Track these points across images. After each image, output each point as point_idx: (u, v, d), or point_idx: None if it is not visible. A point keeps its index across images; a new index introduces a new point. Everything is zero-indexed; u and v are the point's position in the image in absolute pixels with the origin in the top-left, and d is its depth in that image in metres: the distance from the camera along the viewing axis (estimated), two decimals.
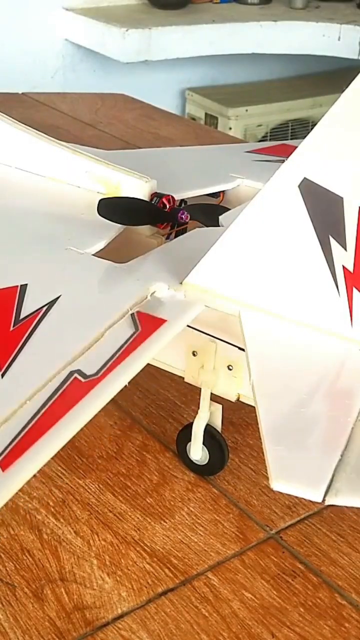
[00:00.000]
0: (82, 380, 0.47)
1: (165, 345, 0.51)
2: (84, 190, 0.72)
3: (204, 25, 2.21)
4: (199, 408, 0.60)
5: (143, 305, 0.54)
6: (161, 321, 0.52)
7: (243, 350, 0.55)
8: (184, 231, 0.70)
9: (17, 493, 0.59)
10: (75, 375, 0.48)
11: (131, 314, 0.53)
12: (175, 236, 0.70)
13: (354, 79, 0.50)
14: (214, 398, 0.59)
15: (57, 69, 2.33)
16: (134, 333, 0.51)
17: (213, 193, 0.78)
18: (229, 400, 0.59)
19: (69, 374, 0.48)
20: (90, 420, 0.46)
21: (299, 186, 0.52)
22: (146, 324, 0.51)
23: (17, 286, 0.57)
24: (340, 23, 2.24)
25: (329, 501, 0.43)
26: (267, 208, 0.53)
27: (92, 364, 0.48)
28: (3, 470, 0.42)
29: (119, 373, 0.48)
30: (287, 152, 0.52)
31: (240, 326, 0.54)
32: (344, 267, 0.54)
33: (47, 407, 0.46)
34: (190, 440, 0.61)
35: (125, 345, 0.50)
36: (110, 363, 0.48)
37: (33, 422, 0.45)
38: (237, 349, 0.56)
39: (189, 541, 0.57)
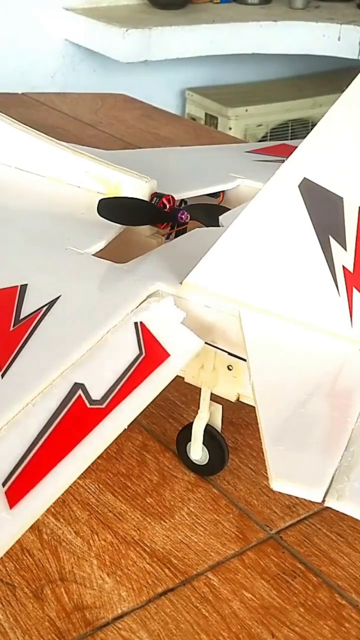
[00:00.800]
0: (88, 405, 0.47)
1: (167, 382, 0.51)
2: (84, 190, 0.72)
3: (204, 25, 2.21)
4: (199, 408, 0.60)
5: (145, 315, 0.54)
6: (165, 355, 0.52)
7: (240, 358, 0.55)
8: (184, 231, 0.70)
9: None
10: (80, 393, 0.48)
11: (134, 323, 0.53)
12: (175, 236, 0.70)
13: (354, 79, 0.50)
14: (214, 398, 0.59)
15: (57, 69, 2.33)
16: (138, 357, 0.51)
17: (213, 193, 0.78)
18: (229, 400, 0.59)
19: (73, 386, 0.48)
20: None
21: (299, 186, 0.52)
22: (150, 350, 0.51)
23: (17, 286, 0.57)
24: (340, 23, 2.24)
25: (329, 502, 0.43)
26: (267, 208, 0.53)
27: (97, 385, 0.48)
28: (11, 507, 0.41)
29: (126, 407, 0.48)
30: (287, 152, 0.53)
31: (240, 326, 0.54)
32: (344, 267, 0.54)
33: (52, 428, 0.45)
34: (190, 440, 0.61)
35: (130, 372, 0.50)
36: (116, 391, 0.48)
37: (38, 444, 0.44)
38: (235, 357, 0.56)
39: (189, 541, 0.57)
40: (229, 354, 0.56)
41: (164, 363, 0.51)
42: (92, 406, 0.47)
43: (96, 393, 0.48)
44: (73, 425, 0.46)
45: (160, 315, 0.54)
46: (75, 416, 0.46)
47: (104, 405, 0.47)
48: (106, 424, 0.46)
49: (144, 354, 0.51)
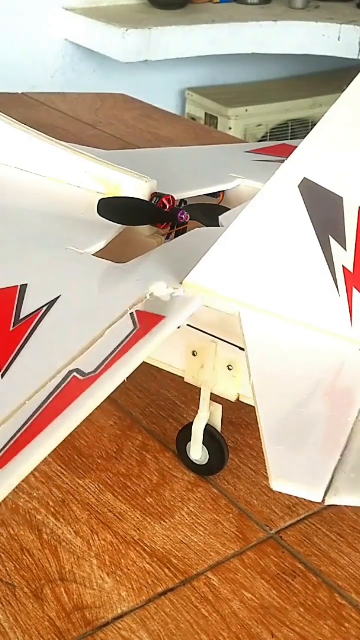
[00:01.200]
0: (81, 378, 0.47)
1: (164, 341, 0.51)
2: (84, 190, 0.72)
3: (204, 25, 2.21)
4: (199, 408, 0.60)
5: (143, 305, 0.54)
6: (159, 318, 0.52)
7: (243, 349, 0.55)
8: (184, 231, 0.70)
9: (17, 493, 0.59)
10: (74, 374, 0.48)
11: (130, 313, 0.53)
12: (175, 236, 0.70)
13: (354, 79, 0.50)
14: (214, 398, 0.59)
15: (57, 69, 2.33)
16: (132, 330, 0.51)
17: (213, 193, 0.78)
18: (229, 400, 0.59)
19: (68, 373, 0.48)
20: (91, 420, 0.46)
21: (299, 186, 0.52)
22: (145, 321, 0.52)
23: (17, 286, 0.57)
24: (340, 23, 2.24)
25: (329, 501, 0.43)
26: (267, 208, 0.53)
27: (91, 363, 0.48)
28: (1, 468, 0.42)
29: (117, 369, 0.48)
30: (287, 152, 0.52)
31: (240, 326, 0.54)
32: (344, 267, 0.54)
33: (45, 406, 0.46)
34: (190, 440, 0.61)
35: (124, 343, 0.50)
36: (108, 360, 0.48)
37: (31, 421, 0.45)
38: (237, 348, 0.56)
39: (189, 541, 0.57)
40: (231, 344, 0.56)
41: (159, 324, 0.51)
42: (85, 377, 0.47)
43: (89, 368, 0.48)
44: (66, 396, 0.46)
45: (156, 299, 0.54)
46: (69, 390, 0.46)
47: (96, 373, 0.47)
48: (101, 383, 0.46)
49: (138, 327, 0.51)
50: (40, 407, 0.46)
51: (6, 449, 0.43)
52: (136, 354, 0.49)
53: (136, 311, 0.53)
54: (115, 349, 0.49)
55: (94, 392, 0.46)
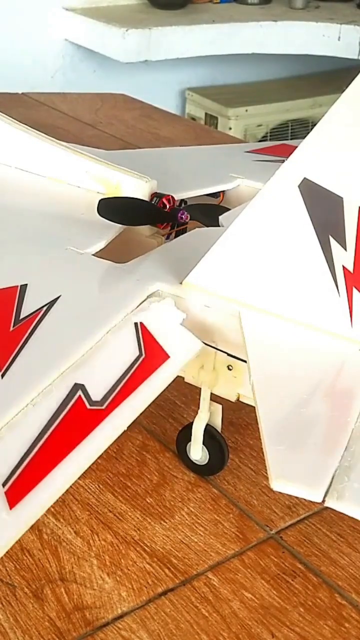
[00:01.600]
0: (88, 406, 0.47)
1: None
2: (84, 190, 0.72)
3: (204, 25, 2.20)
4: (199, 408, 0.60)
5: (145, 315, 0.54)
6: (164, 355, 0.52)
7: (240, 359, 0.55)
8: (184, 231, 0.70)
9: None
10: (80, 394, 0.48)
11: (135, 324, 0.53)
12: (175, 236, 0.70)
13: (354, 79, 0.50)
14: (214, 398, 0.59)
15: (57, 69, 2.33)
16: (138, 358, 0.51)
17: (213, 193, 0.78)
18: (229, 400, 0.59)
19: (73, 387, 0.48)
20: None
21: (299, 186, 0.52)
22: (150, 351, 0.51)
23: (17, 286, 0.57)
24: (340, 23, 2.24)
25: (329, 503, 0.43)
26: (267, 208, 0.53)
27: (97, 386, 0.48)
28: (11, 508, 0.41)
29: (126, 408, 0.48)
30: (287, 152, 0.52)
31: (240, 326, 0.54)
32: (344, 267, 0.54)
33: (52, 429, 0.45)
34: (190, 440, 0.61)
35: (130, 373, 0.50)
36: (115, 392, 0.48)
37: (38, 445, 0.44)
38: (234, 358, 0.56)
39: (189, 541, 0.57)
40: (229, 355, 0.56)
41: (164, 365, 0.51)
42: (92, 407, 0.47)
43: (96, 394, 0.48)
44: (73, 427, 0.46)
45: (160, 316, 0.54)
46: (75, 417, 0.46)
47: (104, 407, 0.47)
48: (106, 426, 0.46)
49: (143, 356, 0.51)
50: (46, 427, 0.45)
51: (14, 477, 0.42)
52: (144, 396, 0.49)
53: (141, 324, 0.53)
54: (121, 378, 0.49)
55: (104, 431, 0.46)
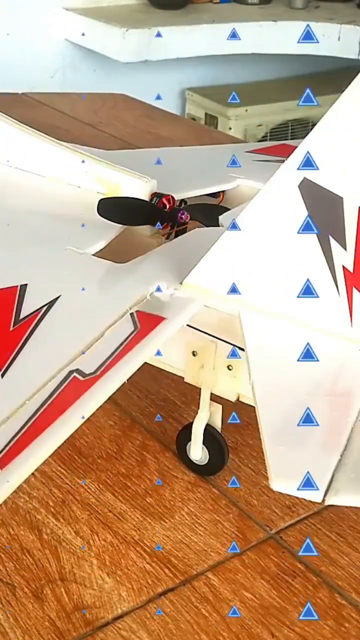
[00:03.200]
0: (81, 379, 0.47)
1: (164, 342, 0.51)
2: (84, 190, 0.72)
3: (204, 25, 2.20)
4: (199, 408, 0.60)
5: (143, 305, 0.54)
6: (160, 319, 0.52)
7: (243, 349, 0.55)
8: (184, 231, 0.70)
9: (17, 493, 0.59)
10: (75, 374, 0.48)
11: (130, 314, 0.53)
12: (175, 236, 0.70)
13: (354, 79, 0.50)
14: (214, 398, 0.59)
15: (57, 69, 2.33)
16: (133, 331, 0.51)
17: (213, 193, 0.78)
18: (229, 400, 0.59)
19: (68, 373, 0.48)
20: (90, 420, 0.46)
21: (299, 186, 0.52)
22: (145, 322, 0.52)
23: (17, 286, 0.57)
24: (340, 23, 2.24)
25: (329, 501, 0.43)
26: (267, 208, 0.53)
27: (91, 363, 0.48)
28: (1, 469, 0.42)
29: (118, 370, 0.48)
30: (287, 152, 0.52)
31: (240, 326, 0.54)
32: (344, 267, 0.54)
33: (45, 406, 0.46)
34: (190, 440, 0.61)
35: (125, 344, 0.50)
36: (109, 361, 0.48)
37: (31, 421, 0.45)
38: (237, 348, 0.56)
39: (189, 541, 0.57)
40: (232, 344, 0.56)
41: (160, 325, 0.51)
42: (86, 378, 0.47)
43: (89, 368, 0.48)
44: (67, 397, 0.46)
45: (156, 299, 0.54)
46: (69, 391, 0.46)
47: (97, 374, 0.47)
48: (102, 384, 0.46)
49: (139, 328, 0.51)
50: (40, 407, 0.46)
51: (7, 449, 0.43)
52: (137, 355, 0.49)
53: (136, 312, 0.53)
54: (115, 350, 0.49)
55: (94, 392, 0.46)
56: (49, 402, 0.46)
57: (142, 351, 0.49)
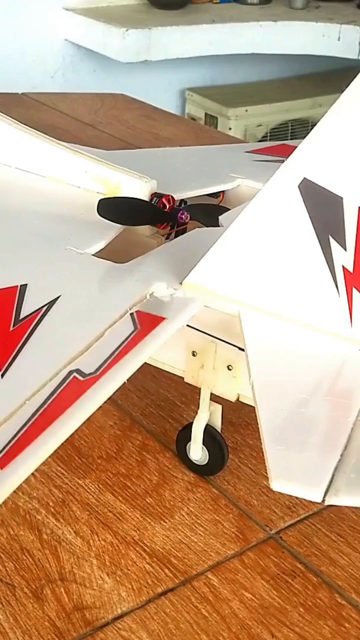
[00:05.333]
0: (81, 379, 0.47)
1: (164, 342, 0.51)
2: (84, 190, 0.72)
3: (204, 25, 2.21)
4: (199, 408, 0.60)
5: (143, 305, 0.54)
6: (160, 319, 0.52)
7: (243, 350, 0.55)
8: (184, 231, 0.70)
9: (17, 493, 0.59)
10: (75, 374, 0.48)
11: (130, 314, 0.53)
12: (175, 236, 0.70)
13: (354, 79, 0.50)
14: (214, 398, 0.59)
15: (57, 69, 2.33)
16: (133, 331, 0.51)
17: (213, 193, 0.78)
18: (229, 400, 0.59)
19: (68, 373, 0.48)
20: (90, 420, 0.46)
21: (299, 186, 0.52)
22: (145, 322, 0.51)
23: (17, 286, 0.57)
24: (340, 23, 2.24)
25: (329, 501, 0.43)
26: (267, 208, 0.53)
27: (91, 363, 0.48)
28: (1, 469, 0.42)
29: (118, 370, 0.48)
30: (287, 152, 0.52)
31: (240, 326, 0.54)
32: (343, 267, 0.54)
33: (45, 406, 0.46)
34: (190, 440, 0.61)
35: (124, 344, 0.50)
36: (109, 361, 0.48)
37: (31, 421, 0.45)
38: (237, 349, 0.56)
39: (189, 541, 0.57)
40: (231, 344, 0.56)
41: (160, 325, 0.51)
42: (86, 378, 0.47)
43: (89, 368, 0.48)
44: (67, 397, 0.46)
45: (156, 299, 0.54)
46: (69, 390, 0.46)
47: (97, 374, 0.47)
48: (102, 383, 0.46)
49: (139, 328, 0.51)
50: (40, 407, 0.46)
51: (7, 449, 0.43)
52: (137, 355, 0.49)
53: (136, 312, 0.53)
54: (115, 350, 0.49)
55: (94, 392, 0.46)
56: (49, 402, 0.46)
57: (142, 351, 0.49)
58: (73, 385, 0.47)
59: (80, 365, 0.48)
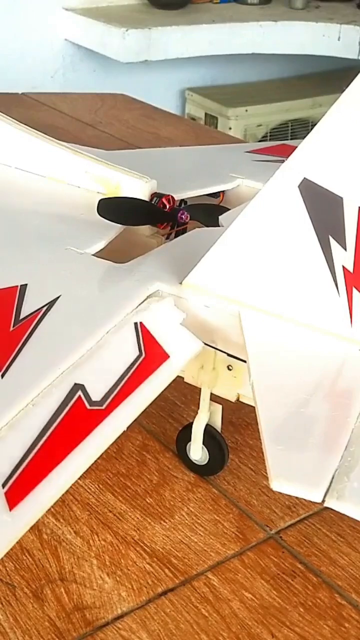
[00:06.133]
0: (88, 406, 0.47)
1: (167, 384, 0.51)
2: (84, 190, 0.72)
3: (204, 25, 2.21)
4: (199, 408, 0.60)
5: (145, 315, 0.54)
6: (164, 355, 0.51)
7: (239, 359, 0.55)
8: (184, 231, 0.70)
9: None
10: (80, 394, 0.48)
11: (134, 324, 0.53)
12: (175, 236, 0.70)
13: (354, 79, 0.50)
14: (214, 398, 0.59)
15: (57, 69, 2.33)
16: (138, 357, 0.51)
17: (213, 193, 0.78)
18: (229, 400, 0.59)
19: (73, 387, 0.48)
20: None
21: (299, 186, 0.52)
22: (150, 351, 0.51)
23: (17, 286, 0.57)
24: (340, 23, 2.24)
25: (329, 503, 0.43)
26: (267, 208, 0.53)
27: (97, 386, 0.48)
28: (10, 509, 0.41)
29: (125, 408, 0.48)
30: (287, 152, 0.52)
31: (240, 326, 0.54)
32: (343, 267, 0.54)
33: (52, 429, 0.45)
34: (190, 440, 0.61)
35: (130, 373, 0.49)
36: (115, 392, 0.48)
37: (38, 446, 0.44)
38: (235, 359, 0.56)
39: (189, 541, 0.57)
40: (229, 355, 0.56)
41: (164, 365, 0.51)
42: (92, 407, 0.47)
43: (96, 394, 0.48)
44: (73, 427, 0.46)
45: (160, 315, 0.54)
46: (75, 417, 0.46)
47: (103, 407, 0.47)
48: (105, 426, 0.46)
49: (143, 355, 0.51)
50: (46, 427, 0.45)
51: (14, 478, 0.42)
52: (144, 396, 0.49)
53: (140, 324, 0.53)
54: (121, 378, 0.49)
55: (104, 431, 0.46)
56: (55, 423, 0.46)
57: (149, 393, 0.49)
58: (80, 412, 0.47)
59: (85, 382, 0.48)
